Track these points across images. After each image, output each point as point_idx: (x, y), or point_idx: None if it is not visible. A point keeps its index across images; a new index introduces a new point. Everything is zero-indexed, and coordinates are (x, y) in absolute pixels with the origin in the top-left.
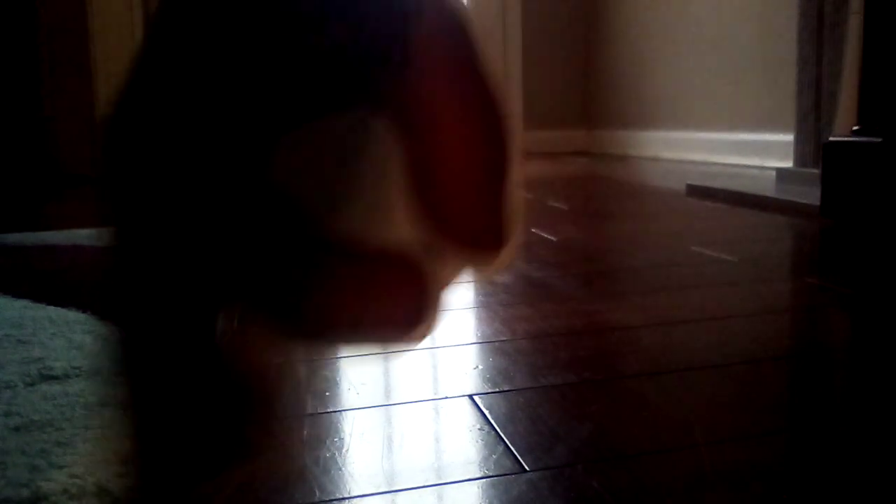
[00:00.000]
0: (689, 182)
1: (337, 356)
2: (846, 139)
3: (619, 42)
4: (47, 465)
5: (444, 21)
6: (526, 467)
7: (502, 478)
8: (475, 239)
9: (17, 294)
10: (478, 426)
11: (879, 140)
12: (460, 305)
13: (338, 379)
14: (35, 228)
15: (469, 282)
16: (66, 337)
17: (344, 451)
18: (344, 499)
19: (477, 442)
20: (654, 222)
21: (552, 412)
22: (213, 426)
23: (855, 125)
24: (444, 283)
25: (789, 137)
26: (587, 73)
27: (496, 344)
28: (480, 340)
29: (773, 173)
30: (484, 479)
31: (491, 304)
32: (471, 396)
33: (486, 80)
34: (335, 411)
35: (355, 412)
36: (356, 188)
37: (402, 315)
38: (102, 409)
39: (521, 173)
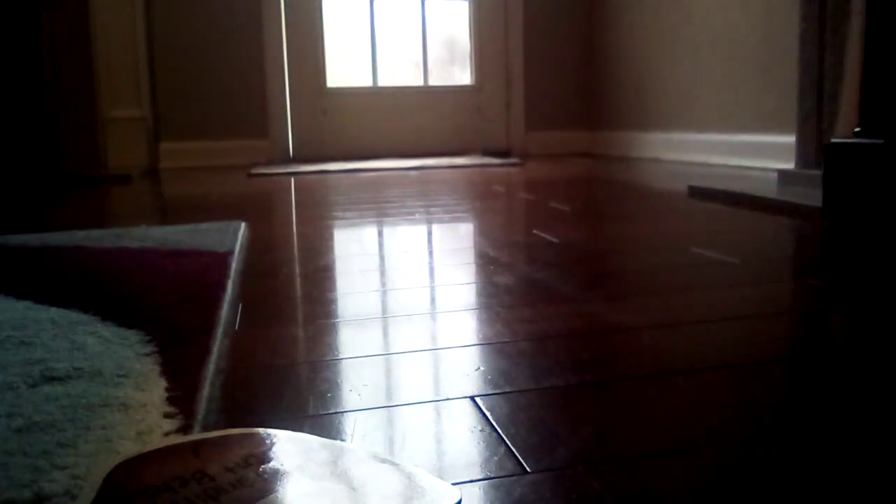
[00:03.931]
0: (690, 183)
1: (338, 357)
2: (848, 141)
3: (621, 44)
4: (49, 467)
5: None
6: (527, 469)
7: (504, 479)
8: None
9: (20, 295)
10: (479, 427)
11: (881, 141)
12: (462, 307)
13: (339, 380)
14: (37, 229)
15: (470, 283)
16: (69, 338)
17: None
18: None
19: (478, 443)
20: (655, 224)
21: (553, 413)
22: None
23: (856, 126)
24: None
25: (791, 139)
26: (589, 75)
27: (497, 345)
28: (482, 342)
29: (775, 175)
30: (485, 481)
31: (492, 305)
32: (472, 398)
33: None
34: (337, 413)
35: (357, 413)
36: None
37: None
38: (105, 409)
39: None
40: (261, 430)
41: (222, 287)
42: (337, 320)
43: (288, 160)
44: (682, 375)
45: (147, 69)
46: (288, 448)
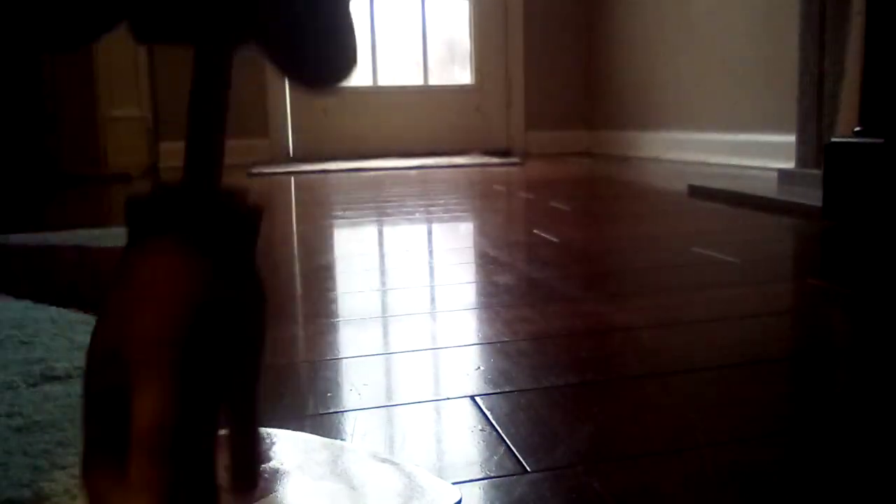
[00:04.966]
0: (690, 183)
1: (338, 357)
2: (848, 140)
3: (621, 43)
4: (49, 466)
5: None
6: (527, 468)
7: (504, 479)
8: None
9: (19, 294)
10: (479, 427)
11: (881, 141)
12: (462, 306)
13: (339, 380)
14: (37, 229)
15: (470, 283)
16: (68, 337)
17: None
18: None
19: (478, 443)
20: (655, 223)
21: (553, 413)
22: None
23: (857, 126)
24: None
25: (791, 138)
26: (589, 75)
27: (498, 345)
28: (482, 341)
29: (775, 174)
30: (485, 480)
31: (492, 304)
32: (472, 397)
33: None
34: (337, 412)
35: (357, 413)
36: None
37: None
38: None
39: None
40: (261, 429)
41: None
42: (337, 319)
43: (288, 159)
44: (682, 375)
45: (147, 69)
46: (288, 448)
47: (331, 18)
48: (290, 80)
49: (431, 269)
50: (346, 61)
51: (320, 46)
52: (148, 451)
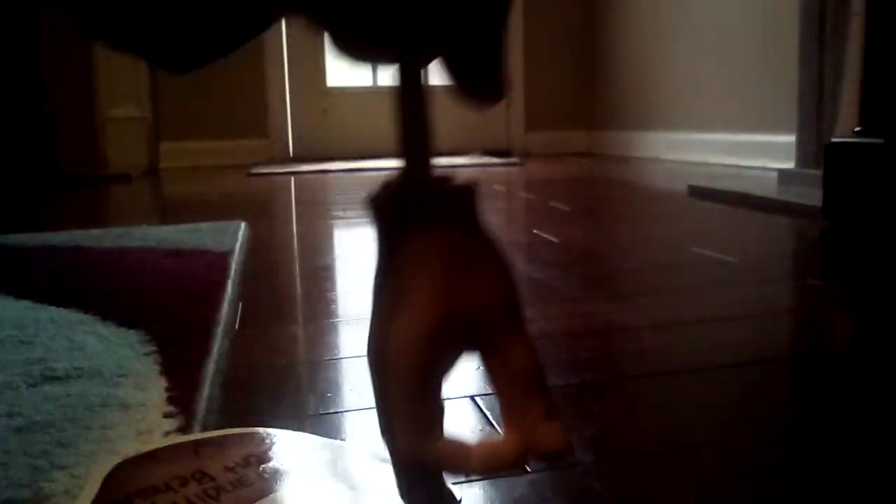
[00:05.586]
0: (690, 183)
1: (338, 357)
2: (848, 140)
3: (621, 43)
4: (49, 466)
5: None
6: (527, 469)
7: (504, 479)
8: None
9: (19, 295)
10: (479, 427)
11: (881, 141)
12: None
13: (339, 380)
14: (37, 229)
15: None
16: (68, 337)
17: None
18: None
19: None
20: (655, 224)
21: None
22: None
23: (857, 126)
24: None
25: (791, 138)
26: (589, 75)
27: None
28: None
29: (775, 174)
30: (485, 481)
31: None
32: (472, 397)
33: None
34: (337, 412)
35: (357, 413)
36: None
37: None
38: (105, 409)
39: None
40: (261, 429)
41: (222, 287)
42: (337, 320)
43: (288, 159)
44: (682, 375)
45: (147, 69)
46: (288, 448)
47: (499, 44)
48: (463, 95)
49: None
50: (506, 83)
51: (493, 68)
52: (538, 385)
